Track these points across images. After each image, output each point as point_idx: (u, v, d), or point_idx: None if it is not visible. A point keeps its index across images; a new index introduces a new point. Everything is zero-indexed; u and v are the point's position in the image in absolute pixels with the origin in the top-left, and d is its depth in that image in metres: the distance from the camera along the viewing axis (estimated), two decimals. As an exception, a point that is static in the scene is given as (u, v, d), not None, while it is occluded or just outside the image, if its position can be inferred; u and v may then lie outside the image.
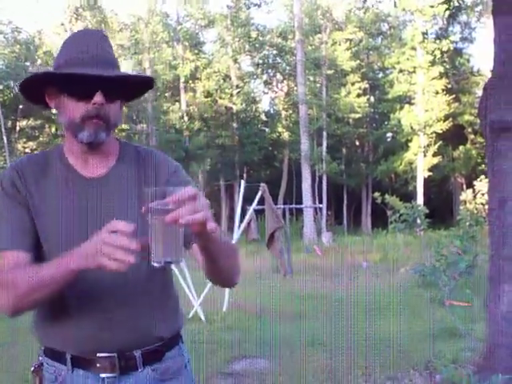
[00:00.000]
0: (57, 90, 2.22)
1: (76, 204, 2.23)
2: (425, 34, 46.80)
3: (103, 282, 2.15)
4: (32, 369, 2.32)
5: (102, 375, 2.24)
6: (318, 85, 48.55)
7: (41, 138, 46.20)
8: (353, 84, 48.53)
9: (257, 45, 53.50)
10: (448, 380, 3.74)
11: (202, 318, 11.45)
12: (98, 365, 2.23)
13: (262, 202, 15.19)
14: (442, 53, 48.01)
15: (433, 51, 46.92)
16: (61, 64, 2.20)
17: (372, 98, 53.30)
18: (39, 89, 2.27)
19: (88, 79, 2.14)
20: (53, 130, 45.96)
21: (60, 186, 2.26)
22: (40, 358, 2.32)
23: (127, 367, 2.28)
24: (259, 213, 17.79)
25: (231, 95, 52.15)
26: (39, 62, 43.03)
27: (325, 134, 46.56)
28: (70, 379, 2.23)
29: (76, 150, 2.30)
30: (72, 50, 2.21)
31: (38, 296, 2.04)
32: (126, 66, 45.23)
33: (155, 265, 1.78)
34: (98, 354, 2.23)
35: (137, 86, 2.39)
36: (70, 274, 1.96)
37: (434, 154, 47.37)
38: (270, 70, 57.43)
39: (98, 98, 2.17)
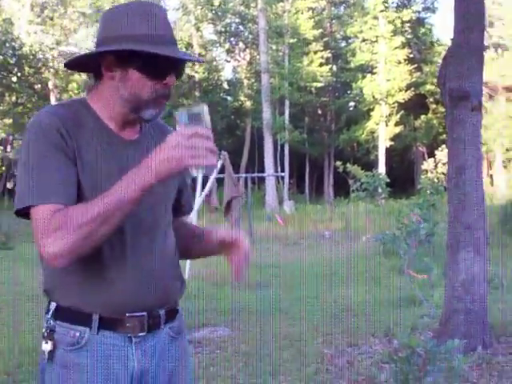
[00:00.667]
0: (122, 62, 2.16)
1: (118, 164, 2.20)
2: (385, 2, 46.90)
3: (141, 240, 2.19)
4: (44, 334, 2.21)
5: (130, 335, 2.23)
6: (281, 53, 48.38)
7: (0, 107, 45.63)
8: (315, 53, 48.44)
9: (219, 13, 53.18)
10: (405, 345, 3.79)
11: (164, 286, 11.43)
12: (127, 325, 2.22)
13: (223, 170, 15.19)
14: (403, 22, 48.21)
15: (393, 20, 47.06)
16: (127, 37, 2.13)
17: (334, 67, 53.24)
18: (95, 58, 2.20)
19: (166, 59, 2.14)
20: (13, 98, 45.42)
21: (101, 145, 2.21)
22: (51, 323, 2.21)
23: (153, 326, 2.30)
24: (220, 181, 17.80)
25: (193, 63, 51.87)
26: (-1, 29, 42.34)
27: (287, 102, 46.50)
28: (95, 341, 2.18)
29: (118, 117, 2.27)
30: (142, 24, 2.15)
31: (106, 229, 1.99)
32: (86, 34, 44.61)
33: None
34: (127, 314, 2.21)
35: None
36: (147, 186, 1.98)
37: (396, 124, 47.63)
38: (232, 39, 57.19)
39: (172, 79, 2.19)
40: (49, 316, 2.22)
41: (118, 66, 2.17)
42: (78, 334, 2.16)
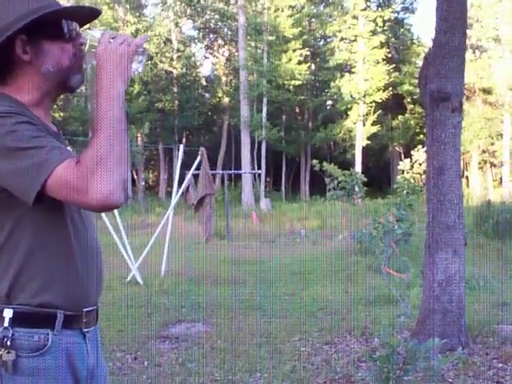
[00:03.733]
0: (33, 36, 2.12)
1: None
2: (368, 1, 47.20)
3: (80, 233, 2.19)
4: (1, 349, 2.05)
5: (84, 330, 2.24)
6: (260, 51, 48.40)
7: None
8: (294, 51, 48.43)
9: (199, 9, 53.16)
10: (386, 344, 3.81)
11: (140, 281, 11.43)
12: (84, 320, 2.22)
13: (200, 166, 15.15)
14: (384, 21, 48.38)
15: (374, 19, 47.22)
16: (23, 16, 2.08)
17: (313, 66, 53.46)
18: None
19: (69, 17, 2.18)
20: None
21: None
22: (9, 331, 2.06)
23: (97, 319, 2.34)
24: (198, 177, 17.79)
25: (172, 59, 51.83)
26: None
27: (265, 100, 46.55)
28: (58, 342, 2.13)
29: (45, 103, 2.24)
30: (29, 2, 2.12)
31: (124, 146, 1.98)
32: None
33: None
34: (84, 309, 2.22)
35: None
36: (124, 90, 2.06)
37: (373, 123, 47.82)
38: (211, 35, 57.20)
39: (82, 37, 2.21)
40: (5, 325, 2.08)
41: (31, 43, 2.13)
42: (42, 337, 2.10)
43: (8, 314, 2.09)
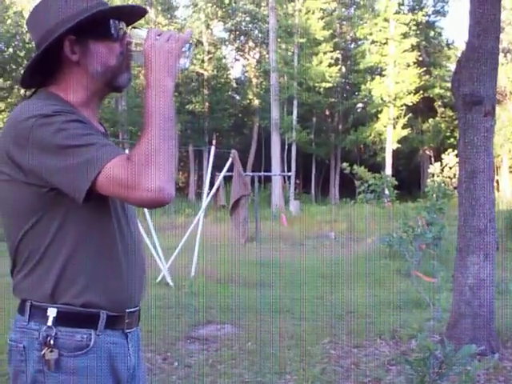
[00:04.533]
0: (81, 37, 2.17)
1: None
2: (401, 4, 47.12)
3: (124, 232, 2.23)
4: (46, 343, 2.09)
5: (126, 331, 2.27)
6: (290, 53, 48.30)
7: (9, 99, 45.61)
8: (325, 53, 48.31)
9: (230, 11, 53.24)
10: (423, 347, 3.79)
11: (170, 282, 11.46)
12: (126, 321, 2.26)
13: (231, 168, 15.14)
14: (417, 24, 48.22)
15: (408, 22, 47.06)
16: (70, 17, 2.13)
17: (343, 68, 53.31)
18: (52, 50, 2.16)
19: (115, 17, 2.22)
20: (21, 91, 45.41)
21: None
22: (52, 330, 2.11)
23: (139, 320, 2.38)
24: (228, 179, 17.76)
25: (202, 61, 51.96)
26: (9, 22, 42.18)
27: (295, 102, 46.46)
28: (100, 342, 2.17)
29: (93, 102, 2.28)
30: (76, 2, 2.16)
31: (173, 141, 2.00)
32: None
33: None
34: (127, 310, 2.25)
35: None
36: (172, 87, 2.08)
37: (404, 126, 47.62)
38: (242, 37, 57.26)
39: (128, 36, 2.26)
40: (49, 324, 2.12)
41: (79, 43, 2.18)
42: (85, 337, 2.13)
43: (52, 313, 2.13)
